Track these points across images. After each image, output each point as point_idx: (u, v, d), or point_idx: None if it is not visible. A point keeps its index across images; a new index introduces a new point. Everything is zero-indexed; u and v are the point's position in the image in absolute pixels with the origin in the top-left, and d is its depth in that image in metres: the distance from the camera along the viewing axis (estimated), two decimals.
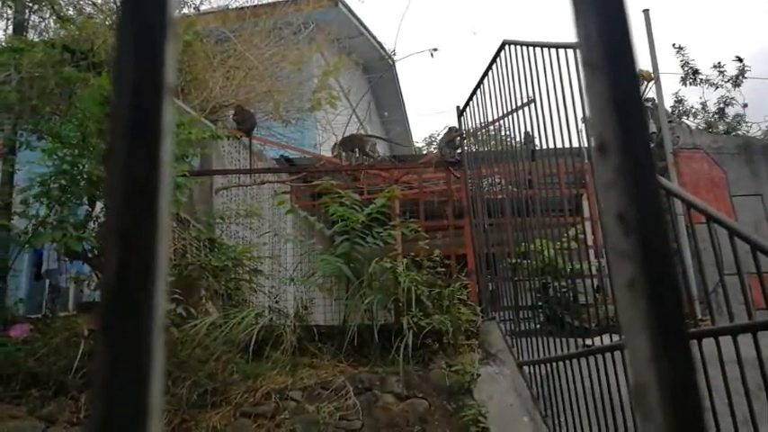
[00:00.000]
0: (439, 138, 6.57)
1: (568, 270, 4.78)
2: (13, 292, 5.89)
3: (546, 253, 4.79)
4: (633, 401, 0.37)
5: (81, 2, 6.64)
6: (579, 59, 0.43)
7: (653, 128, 7.99)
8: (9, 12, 6.47)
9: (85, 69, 5.61)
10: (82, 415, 4.41)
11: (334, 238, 5.29)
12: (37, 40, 6.22)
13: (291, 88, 7.76)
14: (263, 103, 7.53)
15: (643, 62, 10.42)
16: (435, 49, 9.73)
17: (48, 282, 6.72)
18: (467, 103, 5.91)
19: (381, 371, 4.59)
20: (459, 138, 6.14)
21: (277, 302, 5.78)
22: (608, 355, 3.33)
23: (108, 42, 5.79)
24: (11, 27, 6.30)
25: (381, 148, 10.02)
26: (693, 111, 11.66)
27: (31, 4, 6.44)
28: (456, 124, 6.19)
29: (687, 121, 10.58)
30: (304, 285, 5.77)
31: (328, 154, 8.85)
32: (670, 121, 8.98)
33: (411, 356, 4.57)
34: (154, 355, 0.34)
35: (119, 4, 0.40)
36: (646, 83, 8.75)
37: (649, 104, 8.47)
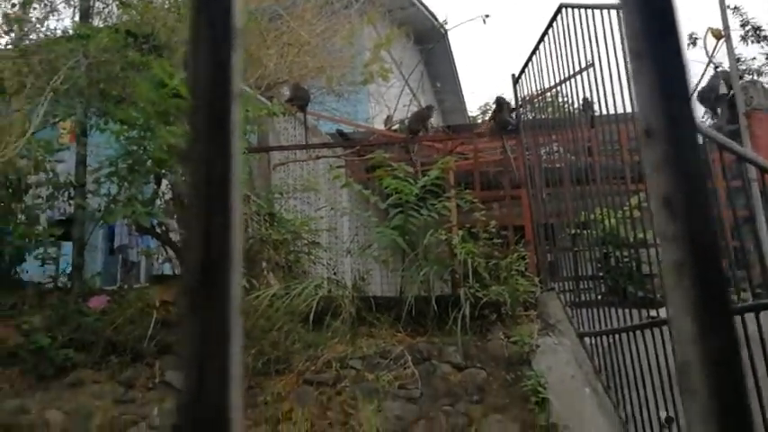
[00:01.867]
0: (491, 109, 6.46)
1: (631, 239, 4.65)
2: (90, 265, 6.25)
3: (607, 222, 4.68)
4: (678, 379, 0.39)
5: None
6: (626, 47, 0.44)
7: (723, 89, 7.60)
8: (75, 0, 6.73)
9: (147, 53, 5.79)
10: (157, 380, 4.68)
11: (389, 210, 5.33)
12: (102, 26, 6.45)
13: (344, 62, 7.78)
14: (317, 79, 7.59)
15: (713, 21, 9.90)
16: (487, 16, 9.51)
17: (120, 256, 7.08)
18: (522, 70, 5.79)
19: (439, 341, 4.64)
20: (507, 106, 6.03)
21: (335, 274, 5.90)
22: None
23: (167, 26, 5.95)
24: (77, 14, 6.56)
25: (435, 119, 9.95)
26: (758, 70, 10.96)
27: None
28: (511, 92, 6.07)
29: (760, 81, 9.99)
30: (361, 257, 5.86)
31: (381, 127, 8.86)
32: (742, 80, 8.52)
33: (468, 327, 4.59)
34: (234, 331, 0.39)
35: (189, 18, 0.44)
36: (716, 42, 8.32)
37: (716, 68, 8.06)
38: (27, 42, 6.04)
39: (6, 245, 5.46)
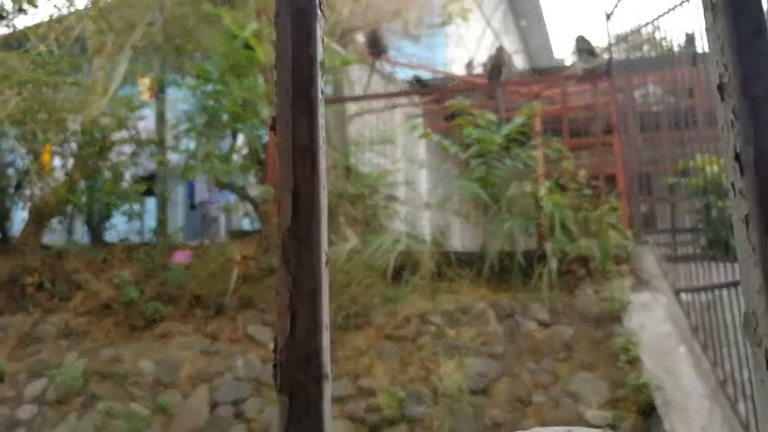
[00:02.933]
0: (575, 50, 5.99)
1: None
2: (173, 221, 6.43)
3: (708, 169, 4.28)
4: (744, 329, 0.40)
5: None
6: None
7: None
8: None
9: (221, 4, 5.72)
10: (240, 333, 4.78)
11: (470, 161, 5.10)
12: None
13: (421, 4, 7.44)
14: (392, 23, 7.31)
15: None
16: None
17: (201, 211, 7.25)
18: (616, 5, 5.30)
19: (523, 297, 4.48)
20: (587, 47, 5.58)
21: (414, 228, 5.77)
22: None
23: None
24: None
25: (519, 61, 9.45)
26: None
27: None
28: (604, 30, 5.59)
29: None
30: (440, 211, 5.69)
31: (461, 72, 8.48)
32: None
33: (555, 283, 4.41)
34: (322, 282, 0.44)
35: None
36: None
37: None
38: (106, 0, 6.10)
39: (95, 201, 5.67)
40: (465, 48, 8.62)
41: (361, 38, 6.74)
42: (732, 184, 0.41)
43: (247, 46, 4.74)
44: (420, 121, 6.77)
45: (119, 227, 5.92)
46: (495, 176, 4.93)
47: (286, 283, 0.43)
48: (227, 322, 4.87)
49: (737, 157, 0.40)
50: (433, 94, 7.33)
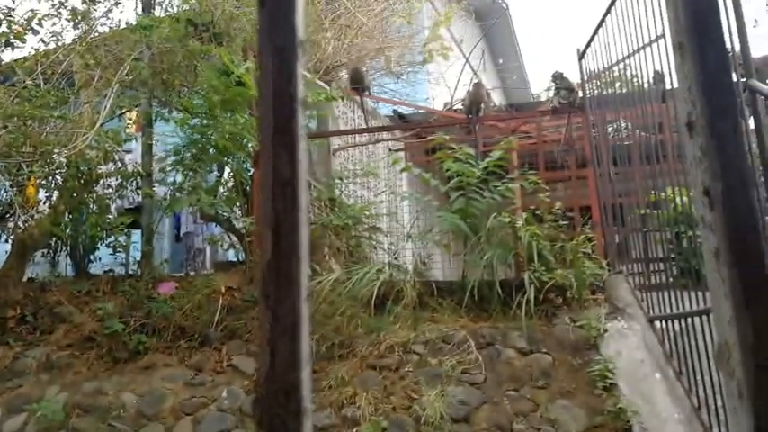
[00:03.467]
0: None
1: None
2: (158, 252, 6.46)
3: (678, 201, 4.44)
4: (716, 360, 0.42)
5: None
6: (669, 40, 0.45)
7: None
8: None
9: (208, 41, 5.87)
10: (225, 364, 4.80)
11: (450, 193, 5.24)
12: (163, 16, 6.58)
13: (402, 42, 7.68)
14: (375, 60, 7.52)
15: None
16: None
17: (186, 243, 7.29)
18: (588, 45, 5.53)
19: (503, 325, 4.56)
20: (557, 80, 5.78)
21: (396, 259, 5.87)
22: None
23: (226, 12, 6.01)
24: (140, 6, 6.71)
25: (497, 98, 9.71)
26: None
27: None
28: (576, 67, 5.82)
29: None
30: (422, 242, 5.81)
31: (441, 108, 8.70)
32: None
33: (533, 311, 4.48)
34: (302, 316, 0.43)
35: (258, 29, 0.47)
36: None
37: None
38: (93, 36, 6.22)
39: (80, 234, 5.70)
40: (445, 84, 8.87)
41: (344, 74, 6.92)
42: (702, 218, 0.42)
43: (239, 82, 4.87)
44: (402, 154, 6.92)
45: (103, 259, 5.93)
46: (475, 208, 5.05)
47: (266, 318, 0.43)
48: (212, 353, 4.88)
49: (706, 192, 0.42)
50: (415, 128, 7.51)
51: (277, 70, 0.46)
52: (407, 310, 4.73)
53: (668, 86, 4.34)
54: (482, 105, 6.14)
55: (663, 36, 4.06)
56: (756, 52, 3.99)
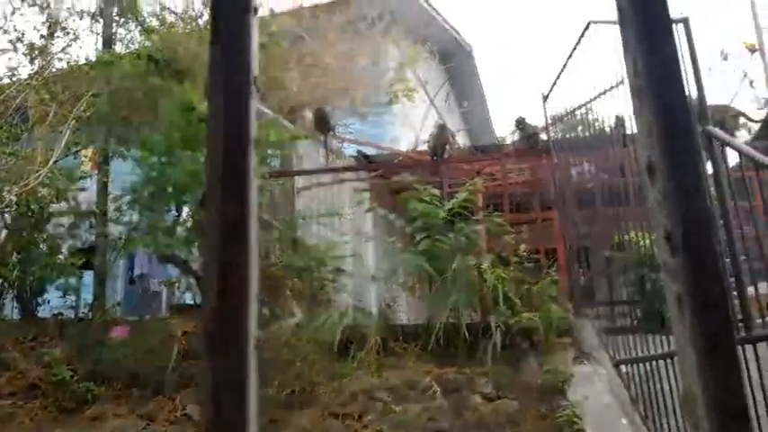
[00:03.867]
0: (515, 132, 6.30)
1: None
2: (112, 295, 6.21)
3: (643, 244, 4.47)
4: (682, 409, 0.45)
5: (163, 12, 6.86)
6: (628, 86, 0.44)
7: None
8: (98, 27, 6.78)
9: (169, 78, 5.78)
10: (179, 414, 4.57)
11: (415, 235, 5.19)
12: (124, 52, 6.48)
13: (368, 83, 7.71)
14: (340, 100, 7.52)
15: (747, 35, 9.69)
16: (514, 34, 9.37)
17: (141, 285, 7.04)
18: (551, 89, 5.64)
19: (469, 371, 4.47)
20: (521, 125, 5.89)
21: (360, 302, 5.75)
22: None
23: (188, 50, 5.94)
24: (100, 41, 6.60)
25: (462, 139, 9.81)
26: None
27: (117, 18, 6.72)
28: (541, 111, 5.92)
29: None
30: (386, 284, 5.72)
31: (407, 149, 8.73)
32: None
33: (500, 356, 4.43)
34: (249, 370, 0.43)
35: (209, 68, 0.45)
36: (750, 53, 8.15)
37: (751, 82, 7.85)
38: (50, 71, 6.08)
39: (28, 275, 5.44)
40: (410, 126, 8.93)
41: (309, 113, 6.90)
42: (664, 263, 0.41)
43: (202, 119, 4.77)
44: (367, 195, 6.87)
45: (53, 302, 5.66)
46: (440, 250, 5.01)
47: (209, 369, 0.41)
48: (166, 402, 4.65)
49: (668, 237, 0.41)
50: (380, 169, 7.50)
51: (229, 108, 0.44)
52: (371, 356, 4.62)
53: (629, 131, 4.43)
54: (447, 147, 6.17)
55: (622, 81, 4.15)
56: (712, 99, 4.11)
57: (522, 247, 5.12)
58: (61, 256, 5.64)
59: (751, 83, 8.84)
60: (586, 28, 4.73)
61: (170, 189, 5.13)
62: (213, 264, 0.42)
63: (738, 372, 0.39)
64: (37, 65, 5.96)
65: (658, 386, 3.80)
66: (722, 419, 0.37)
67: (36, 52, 5.95)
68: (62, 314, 5.56)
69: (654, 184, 0.42)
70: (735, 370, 0.39)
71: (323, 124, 6.42)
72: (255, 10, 0.46)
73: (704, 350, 0.39)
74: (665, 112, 0.42)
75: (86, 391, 4.65)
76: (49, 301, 5.67)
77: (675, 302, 0.40)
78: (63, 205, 5.74)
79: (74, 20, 6.70)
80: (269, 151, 5.45)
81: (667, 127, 0.42)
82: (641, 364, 4.12)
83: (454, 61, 11.14)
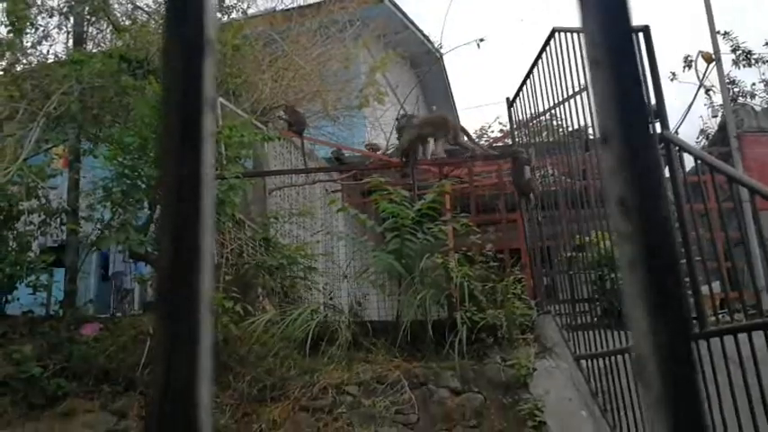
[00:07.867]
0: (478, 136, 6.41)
1: None
2: (83, 292, 6.17)
3: (602, 245, 4.67)
4: (634, 372, 0.48)
5: (135, 12, 6.87)
6: (584, 56, 0.46)
7: (728, 123, 7.57)
8: (69, 25, 6.75)
9: (141, 77, 5.80)
10: None
11: (385, 234, 5.31)
12: (95, 51, 6.46)
13: (339, 86, 7.82)
14: (312, 103, 7.62)
15: (703, 44, 10.04)
16: (482, 40, 9.59)
17: (114, 283, 7.01)
18: (517, 94, 5.82)
19: (436, 366, 4.60)
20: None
21: (331, 299, 5.85)
22: None
23: (161, 50, 5.96)
24: (71, 40, 6.57)
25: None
26: (752, 92, 10.93)
27: (89, 17, 6.70)
28: (506, 116, 6.10)
29: (751, 103, 10.08)
30: (357, 282, 5.83)
31: (377, 151, 8.86)
32: (734, 103, 8.60)
33: (465, 351, 4.55)
34: (204, 327, 0.39)
35: (164, 26, 0.45)
36: (707, 65, 8.45)
37: (707, 90, 8.16)
38: (20, 68, 6.03)
39: None
40: (381, 128, 9.06)
41: (282, 115, 6.97)
42: (617, 229, 0.42)
43: None
44: (339, 195, 6.98)
45: (23, 299, 5.61)
46: (409, 249, 5.14)
47: (163, 331, 0.39)
48: (137, 398, 4.67)
49: (622, 202, 0.41)
50: (351, 170, 7.61)
51: (184, 68, 0.43)
52: (342, 351, 4.71)
53: (590, 136, 4.62)
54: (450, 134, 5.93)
55: (585, 89, 4.33)
56: (675, 107, 4.30)
57: (488, 246, 5.28)
58: (32, 254, 5.59)
59: (707, 91, 9.18)
60: (551, 35, 4.90)
61: (143, 186, 5.16)
62: (169, 221, 0.41)
63: (689, 336, 0.41)
64: (5, 61, 5.90)
65: (617, 380, 3.96)
66: (672, 377, 0.38)
67: (4, 47, 5.89)
68: (32, 312, 5.51)
69: (608, 152, 0.43)
70: (686, 334, 0.40)
71: (295, 126, 6.49)
72: None
73: (655, 309, 0.40)
74: (620, 83, 0.43)
75: (57, 388, 4.63)
76: (18, 299, 5.61)
77: (629, 267, 0.41)
78: (33, 203, 5.70)
79: (43, 17, 6.68)
80: (242, 152, 5.52)
81: (622, 97, 0.43)
82: (600, 359, 4.27)
83: (425, 66, 11.31)
